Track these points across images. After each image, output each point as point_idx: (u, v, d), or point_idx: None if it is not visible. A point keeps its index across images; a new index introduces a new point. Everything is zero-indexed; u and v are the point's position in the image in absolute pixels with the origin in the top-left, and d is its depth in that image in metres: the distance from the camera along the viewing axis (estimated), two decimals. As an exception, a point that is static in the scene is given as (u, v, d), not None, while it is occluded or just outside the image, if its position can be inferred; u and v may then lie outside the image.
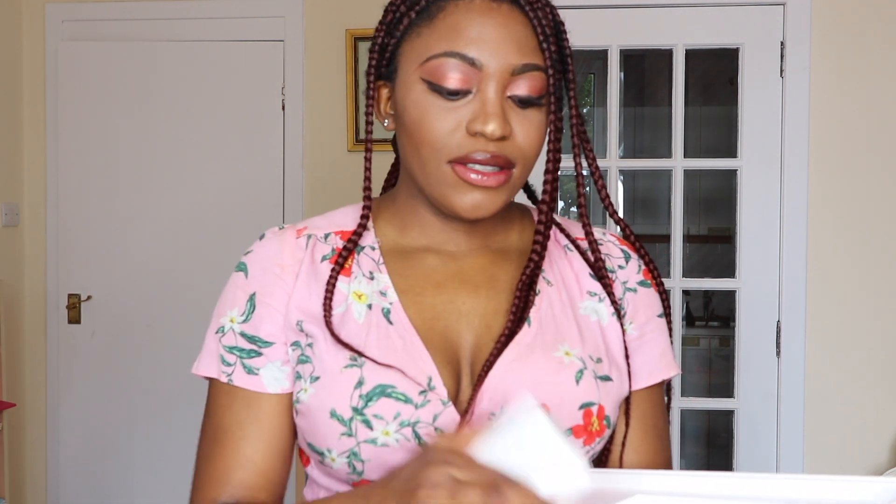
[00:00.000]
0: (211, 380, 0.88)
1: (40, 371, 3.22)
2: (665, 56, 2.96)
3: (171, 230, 3.14)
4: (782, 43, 2.80)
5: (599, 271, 0.92)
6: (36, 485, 3.25)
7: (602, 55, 2.92)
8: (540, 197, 0.90)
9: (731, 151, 2.96)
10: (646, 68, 5.04)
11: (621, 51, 2.89)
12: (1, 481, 2.79)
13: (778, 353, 2.82)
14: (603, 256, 0.94)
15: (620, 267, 0.94)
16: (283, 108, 3.08)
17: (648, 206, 5.07)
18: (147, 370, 3.15)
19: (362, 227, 0.90)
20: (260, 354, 0.86)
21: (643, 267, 0.96)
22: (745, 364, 2.85)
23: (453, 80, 0.81)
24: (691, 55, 2.89)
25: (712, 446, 4.45)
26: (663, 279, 1.00)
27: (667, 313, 0.95)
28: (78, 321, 3.18)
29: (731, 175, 2.96)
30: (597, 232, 0.95)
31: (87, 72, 3.13)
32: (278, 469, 0.87)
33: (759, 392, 2.84)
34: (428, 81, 0.82)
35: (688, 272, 2.94)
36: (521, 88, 0.82)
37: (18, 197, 3.21)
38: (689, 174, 2.94)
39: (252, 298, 0.87)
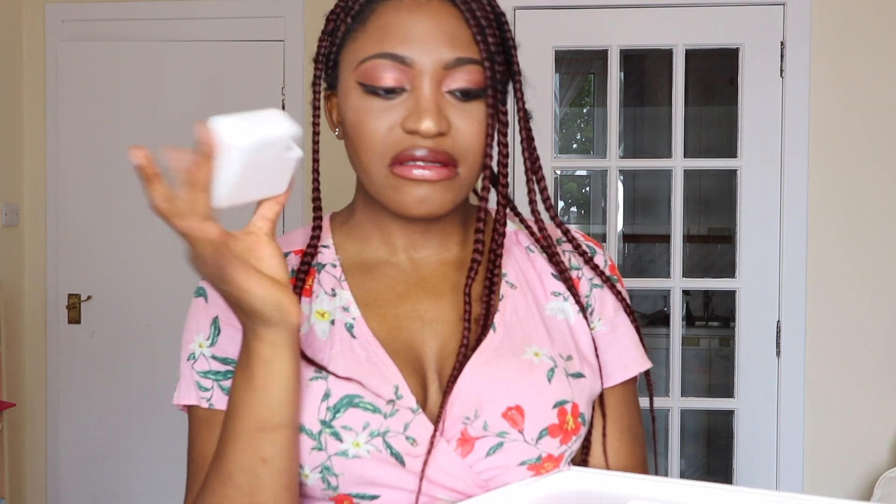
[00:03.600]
0: (190, 408, 0.87)
1: (40, 371, 3.22)
2: (665, 56, 2.96)
3: (171, 230, 3.13)
4: (782, 43, 2.80)
5: (563, 273, 0.91)
6: (36, 485, 3.25)
7: (602, 55, 2.92)
8: (527, 209, 0.89)
9: (731, 151, 2.96)
10: (646, 68, 5.04)
11: (621, 51, 2.89)
12: (1, 481, 2.79)
13: (778, 353, 2.83)
14: (569, 254, 0.93)
15: (586, 262, 0.94)
16: (283, 108, 3.08)
17: (648, 206, 5.07)
18: (147, 370, 3.15)
19: (316, 238, 0.88)
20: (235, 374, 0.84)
21: (609, 262, 0.96)
22: (745, 364, 2.85)
23: (386, 80, 0.80)
24: (691, 55, 2.89)
25: (712, 446, 4.45)
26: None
27: (629, 315, 0.94)
28: (78, 321, 3.18)
29: (731, 175, 2.96)
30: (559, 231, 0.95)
31: (87, 72, 3.13)
32: None
33: (759, 392, 2.84)
34: (363, 84, 0.81)
35: (688, 272, 2.94)
36: (458, 82, 0.81)
37: (18, 197, 3.21)
38: (689, 174, 2.94)
39: (216, 322, 0.86)
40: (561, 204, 4.98)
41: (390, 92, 0.80)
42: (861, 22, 2.78)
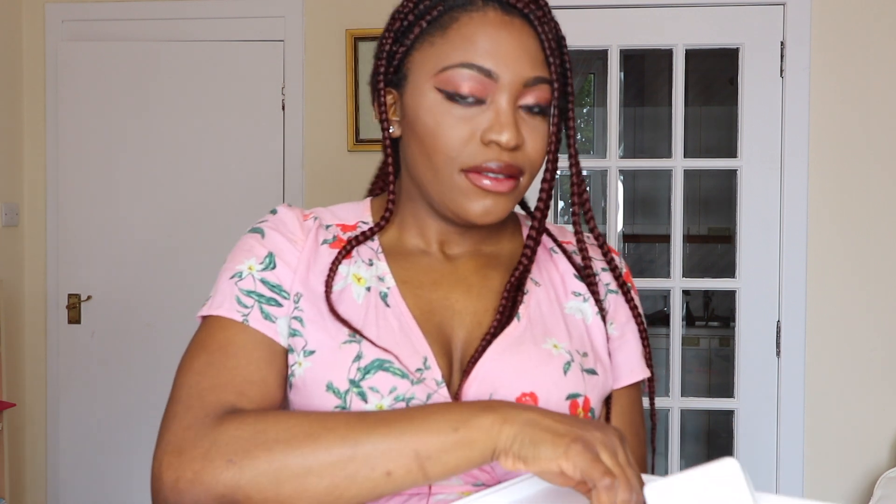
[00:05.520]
0: (210, 319, 0.87)
1: (40, 371, 3.22)
2: (665, 56, 2.96)
3: (170, 230, 3.14)
4: (782, 43, 2.80)
5: (588, 276, 0.95)
6: (36, 485, 3.25)
7: (602, 55, 2.92)
8: (534, 205, 0.93)
9: (731, 151, 2.96)
10: (646, 68, 5.04)
11: (621, 51, 2.89)
12: (1, 481, 2.79)
13: (778, 353, 2.82)
14: (591, 258, 0.98)
15: (603, 269, 0.99)
16: (283, 108, 3.08)
17: (648, 206, 5.07)
18: (147, 370, 3.15)
19: (384, 221, 0.93)
20: (280, 305, 0.87)
21: (624, 269, 1.00)
22: (745, 364, 2.85)
23: (468, 89, 0.83)
24: (691, 55, 2.89)
25: (712, 446, 4.45)
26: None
27: (638, 322, 0.97)
28: (78, 321, 3.18)
29: (731, 175, 2.96)
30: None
31: (87, 72, 3.13)
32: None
33: (759, 392, 2.84)
34: (443, 91, 0.84)
35: (688, 272, 2.94)
36: (531, 99, 0.85)
37: (18, 197, 3.21)
38: (689, 174, 2.94)
39: (271, 255, 0.89)
40: (561, 204, 4.98)
41: (470, 101, 0.83)
42: (861, 22, 2.78)
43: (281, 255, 0.89)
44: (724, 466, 0.66)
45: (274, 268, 0.88)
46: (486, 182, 0.84)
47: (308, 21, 3.06)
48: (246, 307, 0.86)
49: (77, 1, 3.17)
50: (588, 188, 0.99)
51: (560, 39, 0.89)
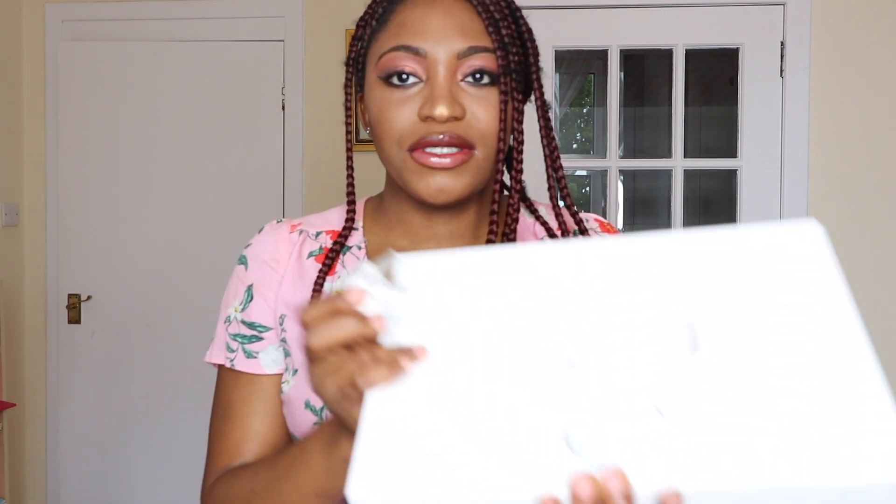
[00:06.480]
0: (219, 365, 0.95)
1: (40, 371, 3.22)
2: (665, 56, 2.96)
3: (171, 230, 3.14)
4: (782, 43, 2.80)
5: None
6: (36, 485, 3.25)
7: (602, 55, 2.92)
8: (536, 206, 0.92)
9: (731, 151, 2.96)
10: (646, 68, 5.04)
11: (621, 51, 2.89)
12: (1, 481, 2.79)
13: (778, 353, 2.82)
14: None
15: None
16: (283, 108, 3.08)
17: (648, 206, 5.07)
18: (147, 370, 3.15)
19: (347, 230, 0.93)
20: (261, 339, 0.92)
21: None
22: (745, 364, 2.85)
23: (401, 69, 0.84)
24: (691, 55, 2.89)
25: (712, 446, 4.46)
26: None
27: None
28: (78, 321, 3.18)
29: (731, 175, 2.96)
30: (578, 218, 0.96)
31: (87, 72, 3.13)
32: (286, 441, 0.91)
33: (759, 392, 2.84)
34: (381, 77, 0.86)
35: (688, 272, 2.93)
36: (470, 69, 0.84)
37: (18, 197, 3.21)
38: (689, 174, 2.94)
39: (250, 289, 0.93)
40: (561, 204, 4.99)
41: (409, 83, 0.84)
42: (861, 22, 2.78)
43: (259, 287, 0.93)
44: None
45: (251, 300, 0.93)
46: (433, 160, 0.83)
47: (308, 21, 3.06)
48: (232, 351, 0.93)
49: (77, 1, 3.17)
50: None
51: (513, 11, 0.88)
